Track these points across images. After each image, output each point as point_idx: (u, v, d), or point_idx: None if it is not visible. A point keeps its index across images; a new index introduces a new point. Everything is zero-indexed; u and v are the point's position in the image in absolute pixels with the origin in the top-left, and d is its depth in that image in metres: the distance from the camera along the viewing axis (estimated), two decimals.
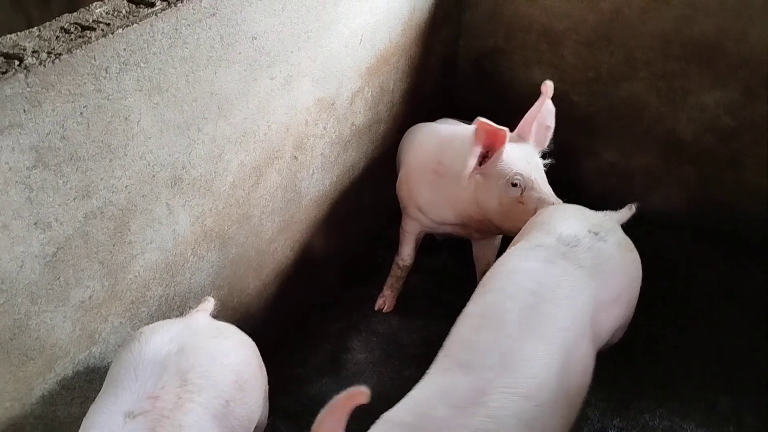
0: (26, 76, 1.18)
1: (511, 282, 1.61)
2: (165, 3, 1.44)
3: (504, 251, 1.83)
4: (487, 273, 1.71)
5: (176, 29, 1.46)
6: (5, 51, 1.22)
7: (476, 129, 1.93)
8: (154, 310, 1.68)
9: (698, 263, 2.72)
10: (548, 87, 2.04)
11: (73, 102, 1.28)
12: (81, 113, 1.30)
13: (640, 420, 2.14)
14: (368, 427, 1.33)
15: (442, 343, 1.56)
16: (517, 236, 1.89)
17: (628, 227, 1.91)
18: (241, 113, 1.75)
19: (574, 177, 2.96)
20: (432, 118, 2.65)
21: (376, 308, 2.55)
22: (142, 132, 1.46)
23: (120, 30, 1.33)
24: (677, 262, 2.72)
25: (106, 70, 1.32)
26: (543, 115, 2.08)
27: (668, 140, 2.76)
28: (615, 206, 1.97)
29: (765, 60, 2.45)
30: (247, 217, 1.93)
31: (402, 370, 2.28)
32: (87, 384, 1.53)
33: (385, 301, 2.55)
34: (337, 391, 1.10)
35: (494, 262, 1.78)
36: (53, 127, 1.25)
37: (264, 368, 1.63)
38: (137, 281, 1.60)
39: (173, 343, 1.41)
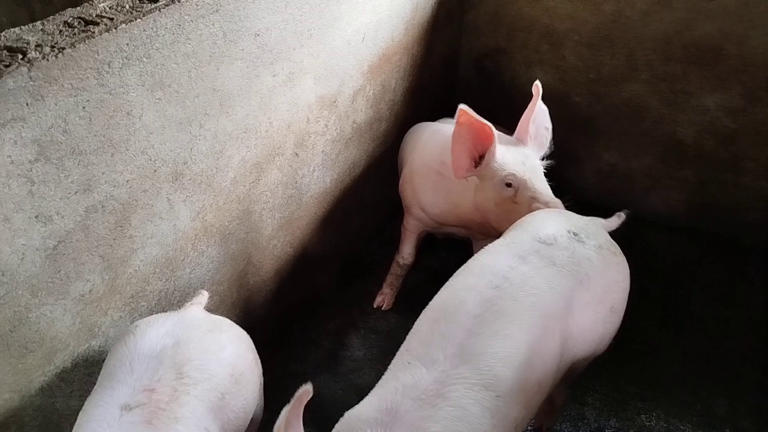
0: (29, 70, 1.18)
1: (476, 276, 1.60)
2: None
3: None
4: (458, 269, 1.71)
5: (179, 25, 1.46)
6: (9, 44, 1.23)
7: (459, 122, 1.94)
8: (153, 304, 1.69)
9: (696, 266, 2.73)
10: (538, 87, 2.05)
11: (75, 96, 1.28)
12: (83, 107, 1.30)
13: (637, 421, 2.15)
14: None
15: None
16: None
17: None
18: (243, 110, 1.76)
19: (574, 178, 2.96)
20: (433, 117, 2.66)
21: (375, 306, 2.56)
22: (144, 127, 1.47)
23: (123, 25, 1.33)
24: (675, 264, 2.73)
25: (108, 65, 1.33)
26: (538, 115, 2.09)
27: (668, 142, 2.77)
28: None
29: (766, 63, 2.45)
30: (247, 213, 1.94)
31: None
32: (86, 377, 1.53)
33: (384, 298, 2.56)
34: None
35: None
36: (55, 120, 1.26)
37: (259, 361, 1.64)
38: (137, 275, 1.61)
39: (169, 336, 1.42)
